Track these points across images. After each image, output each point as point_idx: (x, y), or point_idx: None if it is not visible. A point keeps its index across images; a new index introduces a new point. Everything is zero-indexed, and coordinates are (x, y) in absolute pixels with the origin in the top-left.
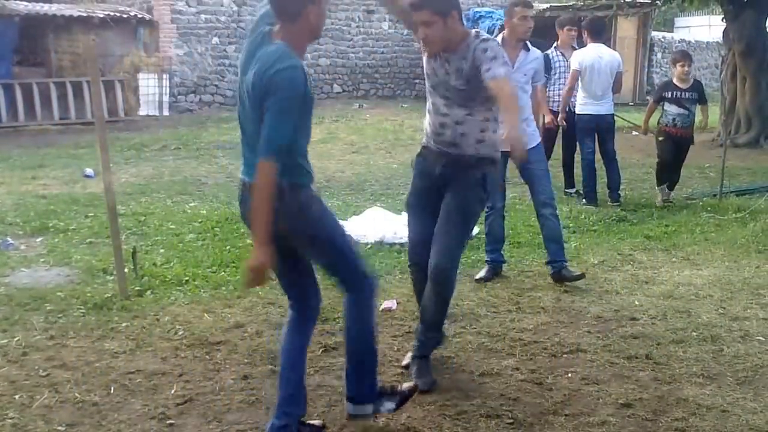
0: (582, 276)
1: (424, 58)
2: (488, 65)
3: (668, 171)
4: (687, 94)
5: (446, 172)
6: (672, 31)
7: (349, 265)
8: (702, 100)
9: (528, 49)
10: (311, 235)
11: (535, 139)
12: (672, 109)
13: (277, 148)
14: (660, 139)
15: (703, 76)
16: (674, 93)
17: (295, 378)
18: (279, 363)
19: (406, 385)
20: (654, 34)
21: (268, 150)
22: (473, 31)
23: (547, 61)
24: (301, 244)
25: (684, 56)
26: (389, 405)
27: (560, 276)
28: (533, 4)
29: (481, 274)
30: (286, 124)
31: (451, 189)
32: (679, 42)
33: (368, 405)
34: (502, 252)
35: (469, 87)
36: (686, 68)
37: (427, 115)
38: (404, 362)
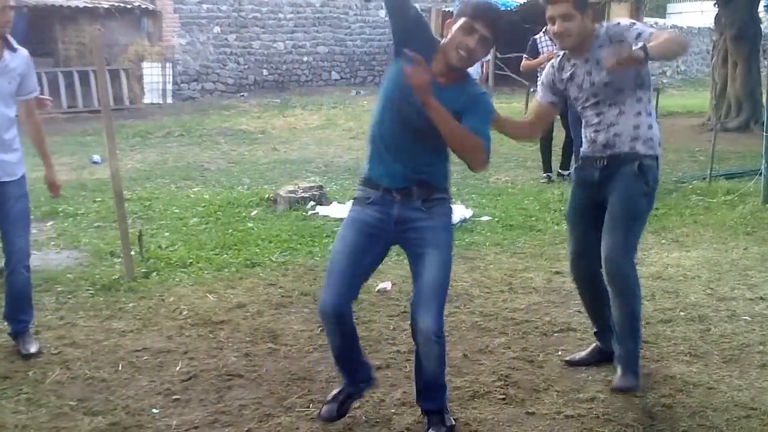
0: None
1: (569, 85)
2: (633, 31)
3: None
4: None
5: (604, 175)
6: (664, 17)
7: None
8: None
9: (13, 49)
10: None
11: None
12: None
13: None
14: None
15: (695, 61)
16: None
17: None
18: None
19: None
20: (646, 20)
21: None
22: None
23: (534, 45)
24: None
25: None
26: None
27: None
28: None
29: None
30: None
31: (611, 190)
32: (671, 27)
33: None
34: None
35: (613, 75)
36: None
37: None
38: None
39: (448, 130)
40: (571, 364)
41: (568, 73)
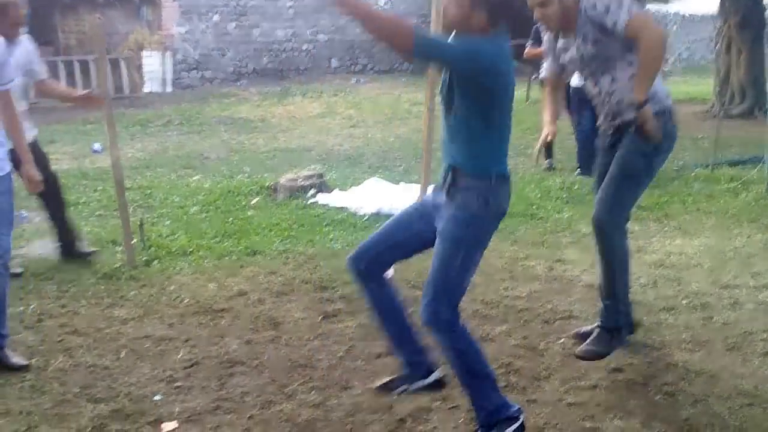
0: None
1: (563, 55)
2: (610, 18)
3: None
4: None
5: (614, 139)
6: (666, 3)
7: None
8: None
9: None
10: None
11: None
12: None
13: None
14: None
15: (699, 48)
16: None
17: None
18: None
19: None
20: (649, 6)
21: None
22: None
23: (538, 32)
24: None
25: None
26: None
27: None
28: None
29: None
30: None
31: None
32: (674, 14)
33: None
34: None
35: (599, 48)
36: None
37: None
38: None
39: (357, 10)
40: (579, 336)
41: (562, 45)
